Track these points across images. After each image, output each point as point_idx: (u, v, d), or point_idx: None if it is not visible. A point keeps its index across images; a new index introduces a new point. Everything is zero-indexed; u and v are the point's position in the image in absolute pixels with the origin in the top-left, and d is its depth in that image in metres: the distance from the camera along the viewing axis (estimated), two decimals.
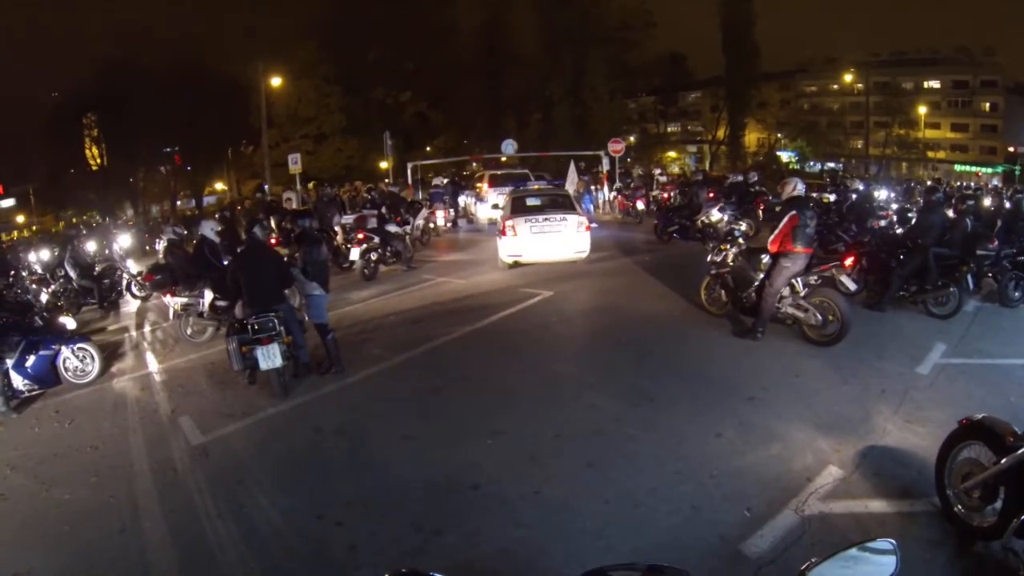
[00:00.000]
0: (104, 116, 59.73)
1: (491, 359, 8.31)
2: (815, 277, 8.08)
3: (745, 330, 8.35)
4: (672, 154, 59.17)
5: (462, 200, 24.33)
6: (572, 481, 5.14)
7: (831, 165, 50.26)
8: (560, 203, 13.86)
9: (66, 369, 9.26)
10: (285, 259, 9.01)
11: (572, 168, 23.17)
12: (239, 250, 8.91)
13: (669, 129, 63.94)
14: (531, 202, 13.84)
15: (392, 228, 14.76)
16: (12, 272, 16.60)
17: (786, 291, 8.07)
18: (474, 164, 36.41)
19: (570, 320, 9.87)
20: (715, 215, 15.22)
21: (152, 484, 6.07)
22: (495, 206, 17.98)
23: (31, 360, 8.93)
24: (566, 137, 38.04)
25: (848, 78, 52.53)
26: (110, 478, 6.32)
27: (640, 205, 21.25)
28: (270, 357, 7.36)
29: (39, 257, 18.67)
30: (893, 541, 1.74)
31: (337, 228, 15.81)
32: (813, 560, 1.65)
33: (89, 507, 5.83)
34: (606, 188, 25.52)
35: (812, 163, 52.99)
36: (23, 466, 6.95)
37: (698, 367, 7.43)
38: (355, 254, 14.14)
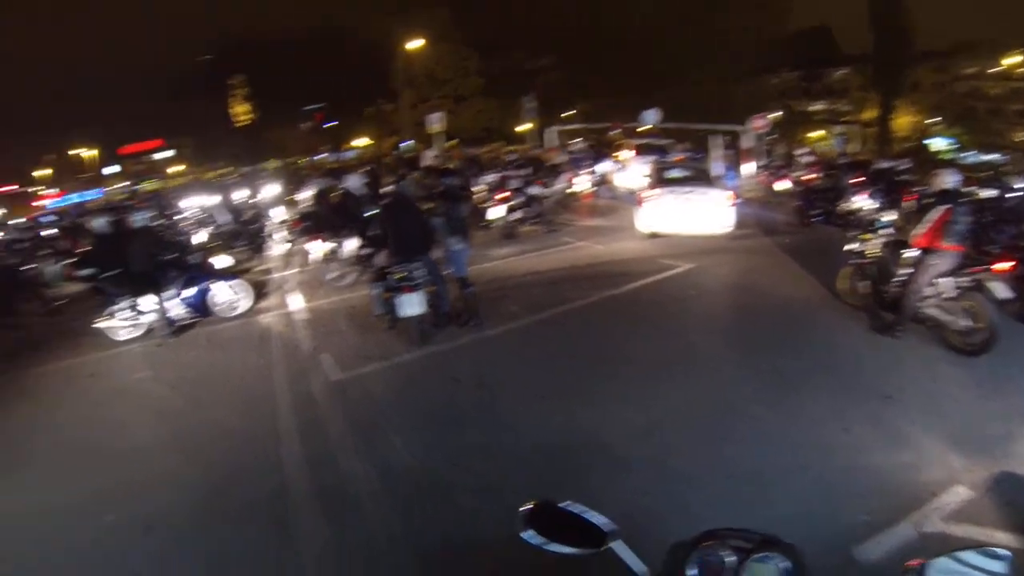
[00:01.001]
0: (252, 77, 63.75)
1: (626, 327, 8.12)
2: (966, 279, 7.32)
3: (884, 326, 7.69)
4: (818, 133, 55.81)
5: (602, 167, 24.04)
6: (698, 454, 4.97)
7: (991, 157, 45.64)
8: (703, 176, 13.50)
9: (220, 303, 9.99)
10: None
11: (716, 141, 22.43)
12: (386, 202, 9.15)
13: (814, 107, 60.18)
14: (674, 173, 13.49)
15: (534, 190, 14.79)
16: (173, 214, 18.05)
17: (930, 290, 7.37)
18: (613, 132, 35.63)
19: (708, 295, 9.49)
20: (859, 202, 14.26)
21: (292, 412, 6.46)
22: (636, 174, 17.68)
23: (189, 292, 9.84)
24: (709, 110, 36.61)
25: (1014, 60, 47.36)
26: (255, 404, 6.81)
27: (783, 185, 20.23)
28: (411, 305, 7.53)
29: (195, 202, 20.28)
30: (1010, 553, 1.64)
31: (477, 187, 16.01)
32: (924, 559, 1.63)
33: (234, 428, 6.36)
34: (749, 165, 24.47)
35: (969, 153, 48.29)
36: (179, 386, 7.72)
37: (833, 357, 6.91)
38: (498, 212, 14.30)
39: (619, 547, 1.82)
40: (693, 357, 7.01)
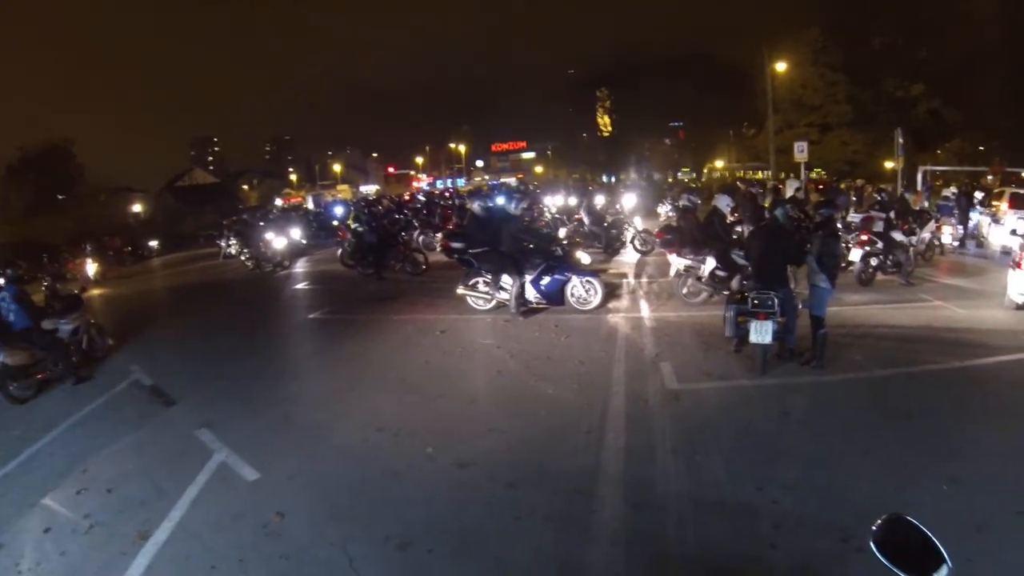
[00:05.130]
0: (616, 90, 67.54)
1: (972, 404, 7.28)
2: None
3: None
4: None
5: (974, 217, 21.29)
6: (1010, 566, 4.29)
7: None
8: None
9: (572, 295, 11.12)
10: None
11: None
12: (760, 225, 9.37)
13: None
14: None
15: (897, 236, 13.85)
16: (536, 208, 20.12)
17: None
18: (991, 177, 30.94)
19: None
20: None
21: (623, 406, 7.11)
22: (1013, 232, 15.29)
23: (545, 280, 11.17)
24: None
25: None
26: (589, 390, 7.63)
27: None
28: (762, 332, 7.66)
29: (556, 201, 22.44)
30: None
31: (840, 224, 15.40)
32: None
33: (566, 406, 7.21)
34: None
35: None
36: (520, 357, 8.98)
37: None
38: (855, 255, 13.62)
39: None
40: None
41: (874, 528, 2.06)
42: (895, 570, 1.95)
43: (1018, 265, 10.98)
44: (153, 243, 34.79)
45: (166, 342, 11.51)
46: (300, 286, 16.61)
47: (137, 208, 54.76)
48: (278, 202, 59.48)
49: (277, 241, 19.99)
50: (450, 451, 6.14)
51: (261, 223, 24.11)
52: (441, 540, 4.76)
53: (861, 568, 4.13)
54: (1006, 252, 15.37)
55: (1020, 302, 10.88)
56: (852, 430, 6.52)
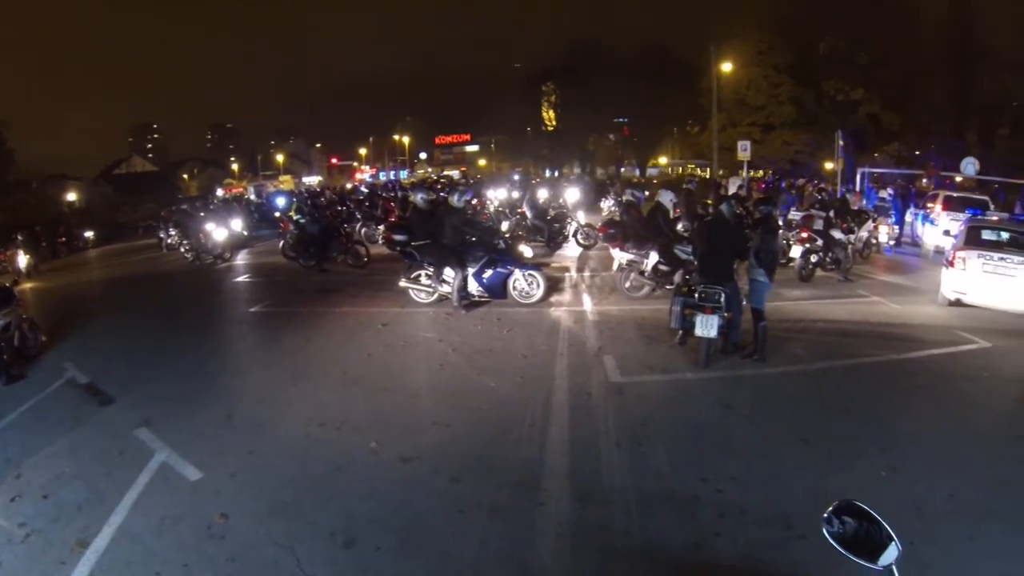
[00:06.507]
0: (563, 85, 68.10)
1: (906, 395, 7.70)
2: None
3: None
4: None
5: (908, 217, 22.35)
6: (946, 546, 4.53)
7: None
8: None
9: (514, 288, 11.22)
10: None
11: None
12: (704, 220, 9.54)
13: None
14: (989, 236, 12.02)
15: (837, 234, 14.31)
16: (480, 201, 20.14)
17: None
18: (924, 181, 32.19)
19: (1003, 381, 8.33)
20: None
21: (566, 399, 7.21)
22: (947, 232, 16.39)
23: (488, 273, 11.26)
24: None
25: None
26: (532, 383, 7.71)
27: None
28: (707, 326, 7.86)
29: (499, 194, 22.49)
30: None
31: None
32: None
33: (509, 399, 7.28)
34: None
35: None
36: (462, 351, 9.02)
37: None
38: (797, 251, 14.10)
39: (896, 572, 1.99)
40: (966, 444, 6.34)
41: (826, 515, 2.16)
42: (847, 554, 2.06)
43: (951, 264, 11.65)
44: (89, 234, 33.54)
45: (102, 338, 11.08)
46: (241, 279, 16.28)
47: (72, 197, 52.56)
48: (219, 192, 57.96)
49: (218, 232, 19.46)
50: (394, 445, 6.13)
51: (201, 214, 23.43)
52: (387, 535, 4.75)
53: (804, 554, 4.34)
54: (939, 251, 16.17)
55: (952, 298, 11.57)
56: (793, 421, 6.76)
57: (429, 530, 4.82)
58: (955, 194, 22.15)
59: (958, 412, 7.18)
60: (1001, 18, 37.68)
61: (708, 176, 41.97)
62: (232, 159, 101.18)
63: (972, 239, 11.95)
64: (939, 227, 18.77)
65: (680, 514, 4.94)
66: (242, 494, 5.41)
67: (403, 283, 11.51)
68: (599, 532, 4.75)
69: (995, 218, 15.51)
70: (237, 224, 22.61)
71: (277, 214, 23.28)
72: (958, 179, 26.13)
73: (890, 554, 2.00)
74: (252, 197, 40.56)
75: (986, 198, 21.67)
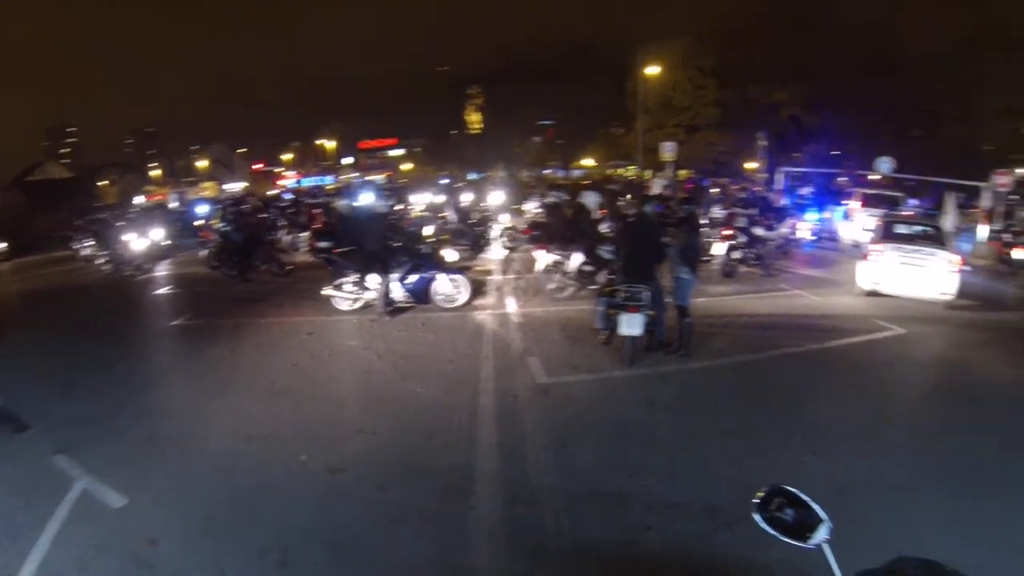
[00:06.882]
0: (489, 87, 68.25)
1: (827, 382, 8.02)
2: None
3: None
4: None
5: (827, 215, 23.33)
6: (871, 523, 4.61)
7: None
8: (933, 236, 12.71)
9: (439, 293, 11.09)
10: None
11: (951, 199, 20.88)
12: (628, 221, 9.61)
13: None
14: (902, 229, 12.94)
15: (759, 231, 14.69)
16: (402, 206, 19.95)
17: None
18: (841, 179, 33.63)
19: (917, 364, 8.95)
20: None
21: (493, 402, 7.16)
22: (862, 227, 17.31)
23: (412, 279, 11.08)
24: (947, 161, 33.05)
25: None
26: (458, 388, 7.63)
27: (1019, 254, 18.16)
28: (632, 324, 7.93)
29: (423, 199, 22.37)
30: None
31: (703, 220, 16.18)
32: None
33: (436, 404, 7.18)
34: (985, 227, 22.20)
35: None
36: (388, 357, 8.86)
37: None
38: (720, 248, 14.45)
39: (827, 549, 1.99)
40: (884, 427, 6.68)
41: (755, 500, 2.16)
42: (779, 537, 2.06)
43: (866, 257, 12.32)
44: (1, 245, 31.67)
45: (15, 357, 10.35)
46: (162, 291, 15.61)
47: None
48: (139, 200, 55.72)
49: (137, 242, 18.64)
50: (322, 456, 5.96)
51: (120, 223, 22.41)
52: (320, 550, 4.61)
53: (735, 541, 4.43)
54: (856, 245, 16.77)
55: (868, 289, 12.19)
56: (718, 413, 6.90)
57: (362, 541, 4.72)
58: (871, 191, 23.23)
59: (876, 397, 7.50)
60: (916, 27, 39.61)
61: (631, 176, 42.63)
62: (153, 164, 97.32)
63: (887, 233, 12.73)
64: (856, 223, 19.63)
65: (610, 511, 4.97)
66: (169, 517, 5.13)
67: (327, 291, 11.27)
68: (531, 533, 4.74)
69: (907, 212, 16.31)
70: (158, 233, 21.74)
71: (199, 222, 22.56)
72: (873, 177, 27.23)
73: (821, 533, 2.01)
74: (173, 205, 39.26)
75: (901, 194, 22.78)
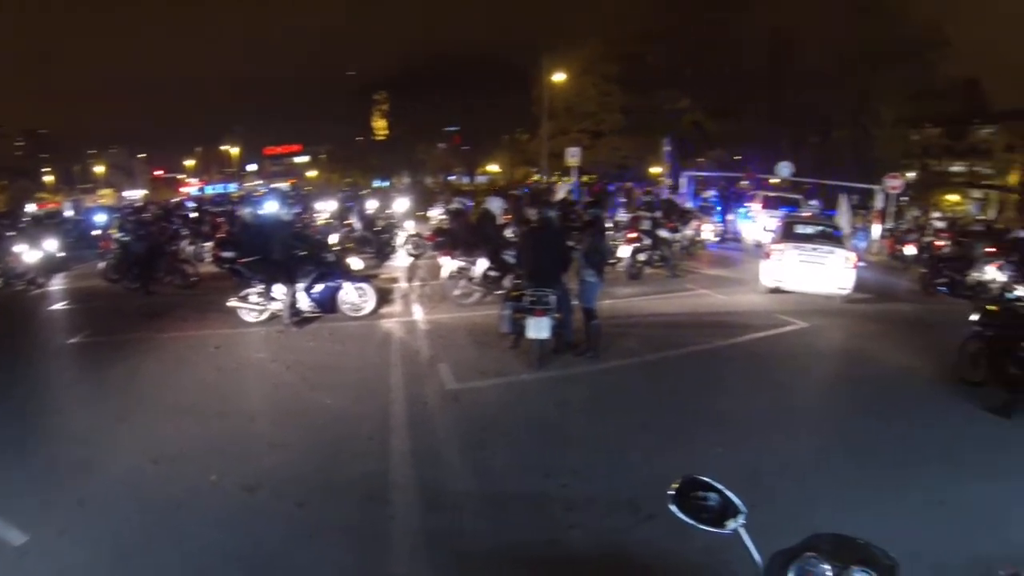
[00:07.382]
0: (395, 93, 67.82)
1: (734, 378, 8.29)
2: None
3: (997, 406, 7.25)
4: (953, 197, 51.74)
5: (730, 217, 24.32)
6: (784, 506, 4.86)
7: None
8: (830, 235, 13.47)
9: (345, 302, 10.90)
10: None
11: (845, 200, 22.22)
12: (530, 227, 9.66)
13: (953, 168, 55.59)
14: (801, 230, 13.58)
15: (663, 233, 15.06)
16: (308, 214, 19.58)
17: None
18: (743, 183, 35.09)
19: (818, 355, 9.57)
20: (990, 273, 13.66)
21: (404, 410, 7.04)
22: (764, 228, 18.18)
23: (318, 288, 10.82)
24: (842, 165, 35.12)
25: None
26: (368, 397, 7.48)
27: (910, 250, 19.48)
28: (539, 328, 7.94)
29: (328, 206, 22.04)
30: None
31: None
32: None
33: (346, 414, 7.02)
34: (878, 226, 23.84)
35: None
36: (296, 369, 8.59)
37: (932, 431, 6.67)
38: (626, 251, 14.70)
39: (743, 533, 2.04)
40: (790, 415, 7.03)
41: (670, 491, 2.17)
42: (696, 525, 2.09)
43: (768, 256, 12.97)
44: None
45: None
46: (58, 306, 14.65)
47: None
48: (31, 208, 52.54)
49: (30, 254, 17.46)
50: (234, 474, 5.66)
51: (10, 233, 21.02)
52: (237, 571, 4.41)
53: (656, 533, 4.49)
54: (758, 245, 17.49)
55: (771, 286, 12.79)
56: (629, 411, 7.03)
57: (281, 558, 4.52)
58: (772, 194, 24.36)
59: (781, 387, 7.86)
60: (812, 38, 41.44)
61: (534, 181, 43.16)
62: (46, 169, 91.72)
63: (787, 233, 13.36)
64: (758, 224, 20.54)
65: (530, 512, 4.98)
66: (76, 551, 4.69)
67: (232, 302, 10.88)
68: (453, 538, 4.69)
69: (806, 214, 17.16)
70: (52, 244, 20.51)
71: (97, 232, 21.48)
72: (774, 181, 28.44)
73: (736, 519, 2.06)
74: (69, 213, 37.30)
75: (800, 196, 24.02)
